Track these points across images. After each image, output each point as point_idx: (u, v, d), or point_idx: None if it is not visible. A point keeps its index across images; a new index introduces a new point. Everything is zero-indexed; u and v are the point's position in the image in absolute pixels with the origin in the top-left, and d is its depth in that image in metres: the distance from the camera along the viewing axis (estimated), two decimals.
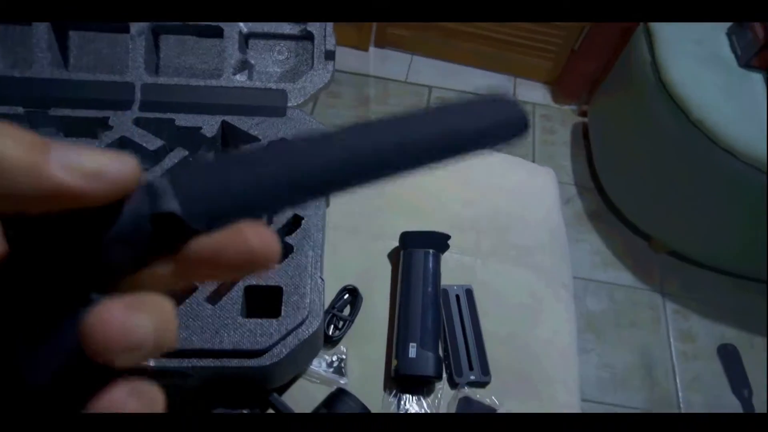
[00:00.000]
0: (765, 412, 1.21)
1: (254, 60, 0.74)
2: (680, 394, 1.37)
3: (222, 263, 0.16)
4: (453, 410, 0.64)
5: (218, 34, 0.71)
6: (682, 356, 1.44)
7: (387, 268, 0.74)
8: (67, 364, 0.16)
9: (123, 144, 0.66)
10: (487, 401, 0.65)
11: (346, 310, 0.69)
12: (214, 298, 0.54)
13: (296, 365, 0.64)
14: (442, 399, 0.65)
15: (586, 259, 1.61)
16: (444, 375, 0.66)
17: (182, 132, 0.68)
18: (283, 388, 0.64)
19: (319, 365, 0.66)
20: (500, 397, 0.66)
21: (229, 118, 0.69)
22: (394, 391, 0.64)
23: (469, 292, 0.72)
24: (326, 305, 0.68)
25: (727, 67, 1.33)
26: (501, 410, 0.65)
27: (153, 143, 0.65)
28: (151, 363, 0.48)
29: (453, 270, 0.75)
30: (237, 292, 0.54)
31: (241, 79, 0.72)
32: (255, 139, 0.68)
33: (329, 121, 1.63)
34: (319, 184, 0.17)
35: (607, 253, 1.63)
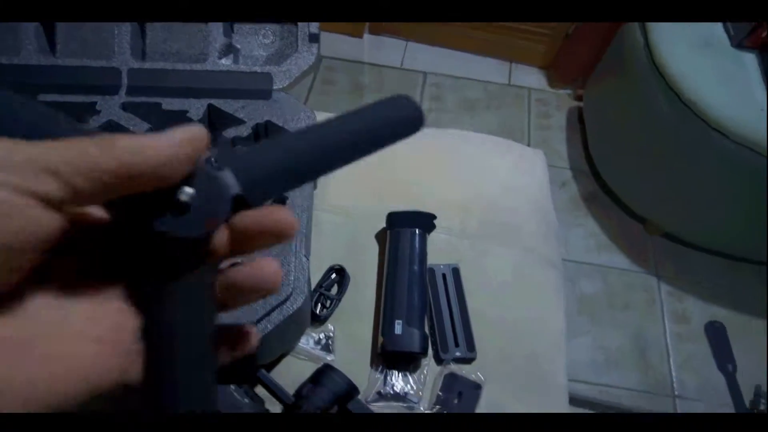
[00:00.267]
0: (764, 411, 1.21)
1: (240, 44, 0.74)
2: (674, 374, 1.38)
3: (263, 232, 0.22)
4: (438, 386, 0.65)
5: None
6: (676, 337, 1.45)
7: (375, 248, 0.75)
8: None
9: (111, 128, 0.67)
10: (473, 377, 0.66)
11: (334, 290, 0.71)
12: None
13: (283, 342, 0.65)
14: (428, 375, 0.66)
15: (581, 242, 1.61)
16: (430, 351, 0.67)
17: (169, 115, 0.68)
18: (271, 365, 0.66)
19: (306, 343, 0.67)
20: (485, 373, 0.67)
21: (215, 102, 0.69)
22: (381, 367, 0.65)
23: (456, 271, 0.73)
24: (314, 285, 0.69)
25: (720, 48, 1.33)
26: (486, 386, 0.66)
27: (140, 127, 0.66)
28: None
29: (441, 250, 0.75)
30: None
31: (226, 62, 0.72)
32: (240, 121, 0.68)
33: (324, 108, 1.64)
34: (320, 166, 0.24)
35: (601, 236, 1.63)
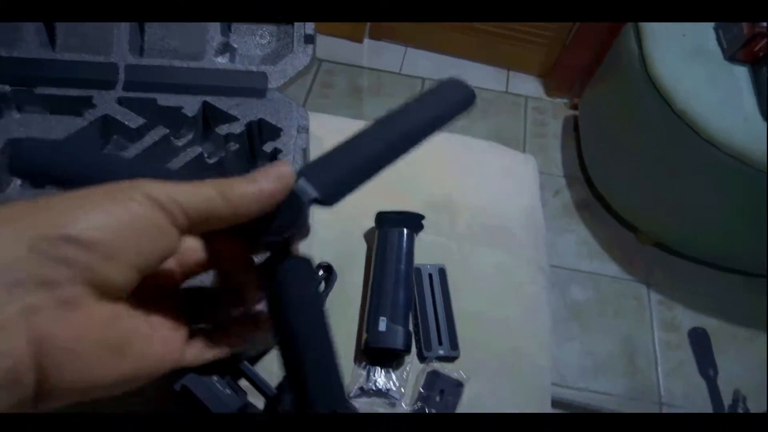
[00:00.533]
0: (762, 411, 1.22)
1: (236, 43, 0.76)
2: (661, 381, 1.39)
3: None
4: (421, 383, 0.66)
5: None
6: (664, 345, 1.46)
7: (363, 247, 0.77)
8: None
9: (106, 122, 0.68)
10: (455, 375, 0.67)
11: (321, 287, 0.72)
12: None
13: (269, 337, 0.66)
14: (411, 372, 0.67)
15: (573, 249, 1.63)
16: (414, 349, 0.68)
17: (164, 111, 0.70)
18: (256, 359, 0.67)
19: None
20: (468, 372, 0.68)
21: (210, 99, 0.71)
22: (364, 364, 0.67)
23: (442, 272, 0.74)
24: None
25: (713, 60, 1.35)
26: (468, 384, 0.67)
27: (135, 121, 0.67)
28: None
29: (428, 250, 0.77)
30: None
31: (223, 61, 0.74)
32: (234, 119, 0.70)
33: (323, 110, 1.65)
34: (379, 163, 0.29)
35: (593, 243, 1.65)
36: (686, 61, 1.34)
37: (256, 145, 0.72)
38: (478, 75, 2.00)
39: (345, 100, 1.84)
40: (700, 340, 0.86)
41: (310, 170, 0.27)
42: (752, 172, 1.22)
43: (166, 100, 0.70)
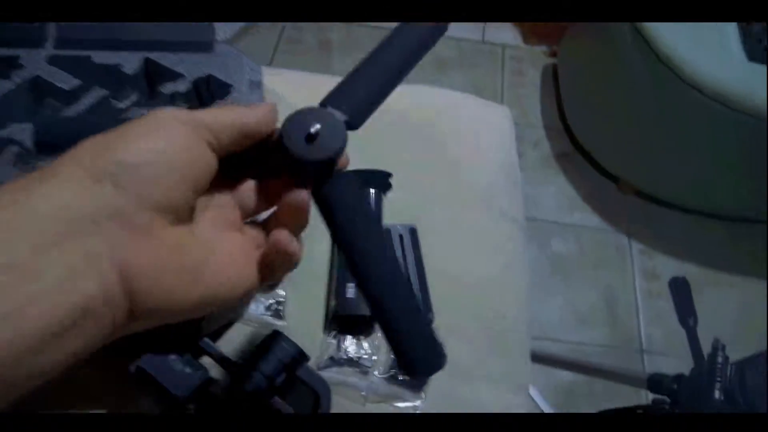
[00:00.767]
0: (721, 364, 1.23)
1: None
2: (642, 330, 1.40)
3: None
4: None
5: None
6: (646, 294, 1.47)
7: None
8: None
9: (37, 84, 0.62)
10: None
11: None
12: None
13: (231, 309, 0.62)
14: (383, 338, 0.64)
15: (553, 201, 1.61)
16: None
17: (101, 70, 0.64)
18: (219, 333, 0.63)
19: (256, 309, 0.64)
20: (444, 334, 0.65)
21: (151, 55, 0.65)
22: (334, 333, 0.63)
23: (413, 231, 0.70)
24: None
25: None
26: (445, 349, 0.65)
27: (69, 83, 0.61)
28: None
29: (398, 210, 0.73)
30: None
31: None
32: (180, 76, 0.64)
33: (291, 66, 1.57)
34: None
35: (574, 195, 1.62)
36: None
37: (206, 104, 0.66)
38: (452, 25, 1.92)
39: (314, 56, 1.76)
40: (680, 289, 0.85)
41: (333, 99, 0.31)
42: (736, 116, 1.20)
43: (102, 57, 0.64)
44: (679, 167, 1.46)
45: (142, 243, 0.22)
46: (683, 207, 1.60)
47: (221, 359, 0.57)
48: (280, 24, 1.66)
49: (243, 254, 0.29)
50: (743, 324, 1.44)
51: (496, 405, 0.65)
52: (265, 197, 0.33)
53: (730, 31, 1.24)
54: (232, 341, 0.62)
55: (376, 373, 0.62)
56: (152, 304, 0.23)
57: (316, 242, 0.70)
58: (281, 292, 0.65)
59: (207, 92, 0.65)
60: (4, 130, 0.57)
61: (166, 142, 0.24)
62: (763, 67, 1.19)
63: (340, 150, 0.30)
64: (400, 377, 0.62)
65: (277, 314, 0.64)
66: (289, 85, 0.86)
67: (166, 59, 0.64)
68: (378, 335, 0.64)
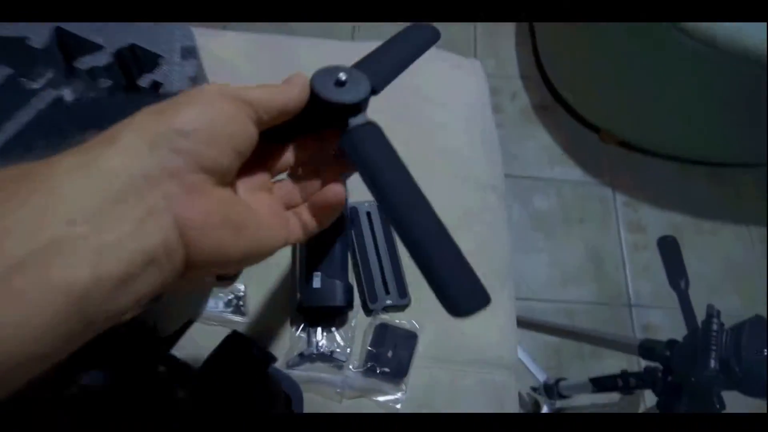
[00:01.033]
0: (716, 331, 1.20)
1: None
2: (630, 284, 1.37)
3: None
4: (369, 339, 0.58)
5: None
6: (632, 247, 1.43)
7: None
8: None
9: None
10: (407, 325, 0.59)
11: None
12: None
13: (187, 307, 0.56)
14: (357, 329, 0.58)
15: (533, 156, 1.54)
16: (357, 302, 0.59)
17: (4, 44, 0.54)
18: (177, 336, 0.57)
19: (215, 306, 0.58)
20: (421, 319, 0.60)
21: (63, 24, 0.55)
22: (302, 326, 0.57)
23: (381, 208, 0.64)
24: None
25: None
26: (423, 334, 0.59)
27: None
28: None
29: (363, 185, 0.66)
30: None
31: None
32: (99, 47, 0.55)
33: (248, 29, 1.45)
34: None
35: (554, 148, 1.56)
36: None
37: (134, 79, 0.58)
38: None
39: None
40: (669, 249, 0.80)
41: (358, 65, 0.34)
42: (720, 56, 1.13)
43: (4, 29, 0.54)
44: (663, 114, 1.40)
45: (195, 200, 0.24)
46: (666, 154, 1.55)
47: (179, 370, 0.51)
48: None
49: (274, 212, 0.31)
50: (726, 270, 1.42)
51: (482, 387, 0.60)
52: (295, 157, 0.34)
53: None
54: (194, 343, 0.55)
55: (351, 366, 0.57)
56: (205, 255, 0.25)
57: None
58: (240, 287, 0.58)
59: (134, 64, 0.56)
60: None
61: (214, 113, 0.26)
62: None
63: (367, 96, 0.32)
64: (378, 370, 0.56)
65: (238, 310, 0.58)
66: (231, 47, 0.77)
67: (81, 28, 0.55)
68: (352, 324, 0.58)
